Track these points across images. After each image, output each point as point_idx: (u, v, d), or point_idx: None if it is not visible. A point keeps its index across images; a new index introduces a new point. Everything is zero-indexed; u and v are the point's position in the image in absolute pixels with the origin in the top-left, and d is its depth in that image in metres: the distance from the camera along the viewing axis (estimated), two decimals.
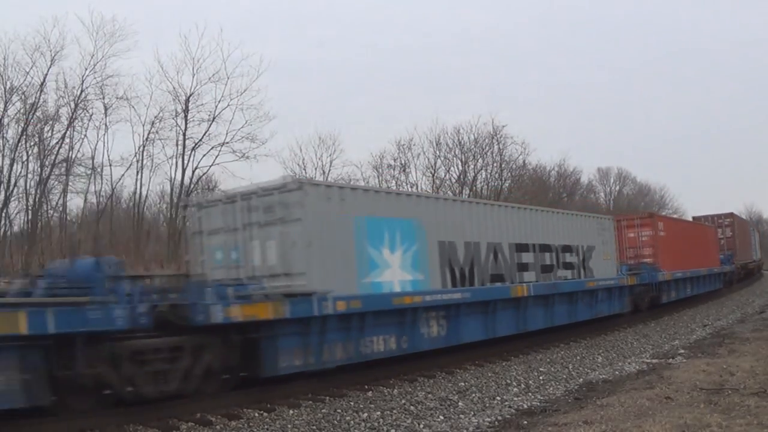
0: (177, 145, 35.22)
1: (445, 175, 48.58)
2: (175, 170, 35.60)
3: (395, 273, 12.46)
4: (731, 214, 42.62)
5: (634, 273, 21.96)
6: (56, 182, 33.70)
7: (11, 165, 31.54)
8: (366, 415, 9.56)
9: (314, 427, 8.95)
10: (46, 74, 31.80)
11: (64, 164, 33.20)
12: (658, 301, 23.65)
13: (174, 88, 35.28)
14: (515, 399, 10.62)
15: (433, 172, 47.89)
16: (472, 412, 9.70)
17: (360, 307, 11.32)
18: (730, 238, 40.48)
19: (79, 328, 8.27)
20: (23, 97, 31.70)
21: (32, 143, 32.37)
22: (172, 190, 36.57)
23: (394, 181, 46.89)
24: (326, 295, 10.68)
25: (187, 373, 9.50)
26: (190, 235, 13.29)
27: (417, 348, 12.82)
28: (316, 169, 43.88)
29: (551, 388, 11.44)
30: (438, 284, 13.46)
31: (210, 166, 36.35)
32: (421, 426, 8.98)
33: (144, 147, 34.69)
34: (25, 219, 33.06)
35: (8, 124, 31.54)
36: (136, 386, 9.02)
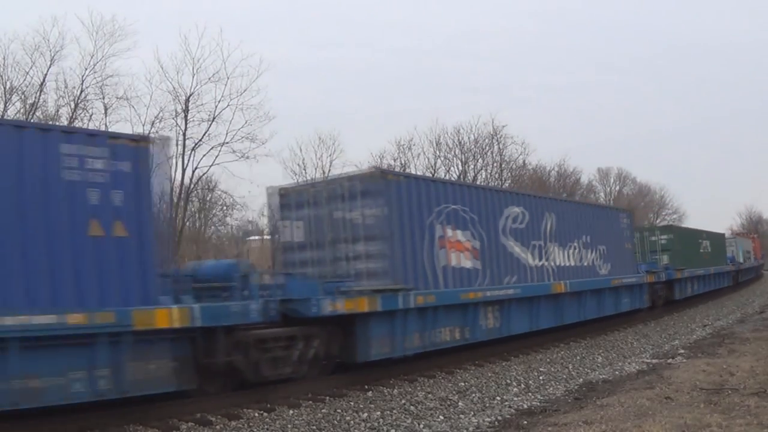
0: (177, 145, 35.13)
1: (445, 175, 48.60)
2: (175, 170, 35.55)
3: None
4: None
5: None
6: None
7: None
8: (366, 415, 9.56)
9: (314, 427, 8.95)
10: (46, 74, 31.64)
11: None
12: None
13: (174, 88, 35.08)
14: (515, 399, 10.62)
15: (433, 172, 47.90)
16: (472, 412, 9.70)
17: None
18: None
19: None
20: (23, 97, 31.56)
21: None
22: (171, 190, 36.49)
23: None
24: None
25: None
26: None
27: None
28: (316, 169, 43.86)
29: (551, 388, 11.43)
30: None
31: (210, 166, 36.20)
32: (421, 426, 8.98)
33: None
34: None
35: None
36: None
